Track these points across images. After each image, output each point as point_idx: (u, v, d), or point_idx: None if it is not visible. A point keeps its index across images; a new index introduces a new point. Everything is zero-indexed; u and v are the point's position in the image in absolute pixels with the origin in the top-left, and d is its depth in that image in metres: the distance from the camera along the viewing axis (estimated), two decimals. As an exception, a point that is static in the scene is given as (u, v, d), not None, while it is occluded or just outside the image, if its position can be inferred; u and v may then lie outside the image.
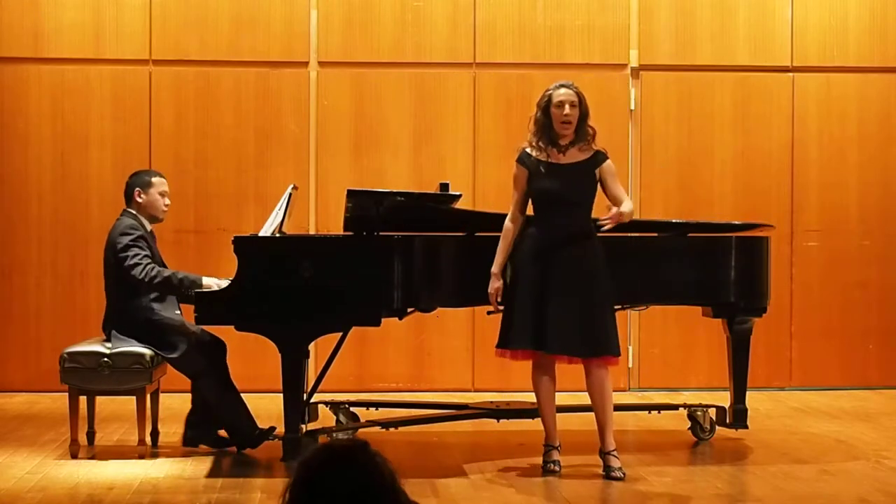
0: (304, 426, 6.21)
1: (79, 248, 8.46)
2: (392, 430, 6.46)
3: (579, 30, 8.73)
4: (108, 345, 6.15)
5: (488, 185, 8.46)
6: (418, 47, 8.67)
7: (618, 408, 6.49)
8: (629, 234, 6.82)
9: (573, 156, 5.84)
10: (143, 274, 6.09)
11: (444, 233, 6.25)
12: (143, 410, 6.16)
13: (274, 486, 5.46)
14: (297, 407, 5.98)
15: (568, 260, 5.73)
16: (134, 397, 6.14)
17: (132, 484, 5.59)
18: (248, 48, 8.59)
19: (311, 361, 7.14)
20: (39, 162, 8.49)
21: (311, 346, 6.27)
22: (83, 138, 8.51)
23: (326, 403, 6.80)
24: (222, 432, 6.37)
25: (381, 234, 5.99)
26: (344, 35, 8.64)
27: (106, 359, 6.09)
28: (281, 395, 5.92)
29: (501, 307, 5.85)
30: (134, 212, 6.34)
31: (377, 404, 7.02)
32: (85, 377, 6.12)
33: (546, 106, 5.83)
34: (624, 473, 5.72)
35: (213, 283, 6.06)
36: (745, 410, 6.61)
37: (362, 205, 6.00)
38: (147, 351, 6.12)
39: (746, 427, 6.63)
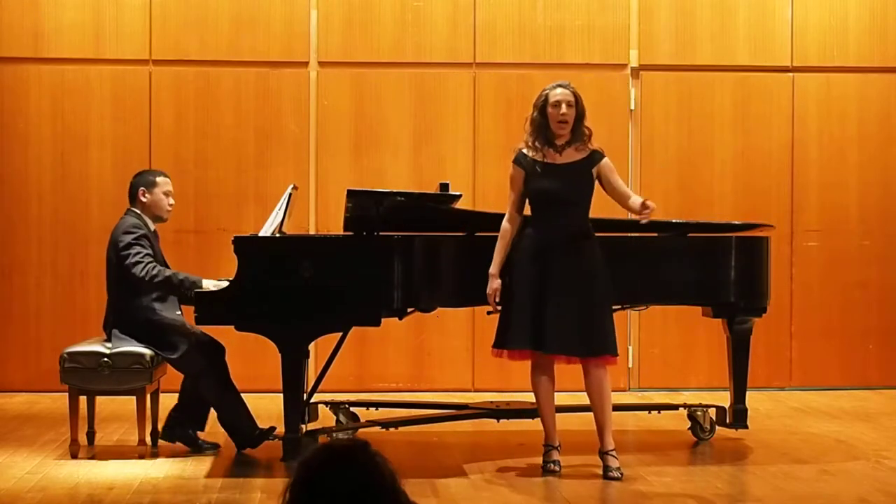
0: (304, 426, 6.22)
1: (79, 248, 8.46)
2: (392, 430, 6.47)
3: (579, 30, 8.73)
4: (108, 345, 6.15)
5: (488, 185, 8.46)
6: (418, 47, 8.67)
7: (618, 408, 6.50)
8: (629, 234, 6.82)
9: (570, 155, 5.84)
10: (143, 272, 6.09)
11: (444, 233, 6.25)
12: (143, 410, 6.16)
13: (274, 486, 5.46)
14: (297, 407, 5.98)
15: (566, 260, 5.73)
16: (134, 397, 6.14)
17: (132, 484, 5.59)
18: (248, 48, 8.59)
19: (311, 361, 7.15)
20: (39, 162, 8.49)
21: (311, 346, 6.27)
22: (83, 138, 8.51)
23: (326, 403, 6.80)
24: (201, 434, 6.37)
25: (381, 234, 5.99)
26: (344, 35, 8.64)
27: (106, 359, 6.09)
28: (281, 395, 5.92)
29: (500, 308, 5.85)
30: (138, 211, 6.35)
31: (377, 404, 7.02)
32: (85, 377, 6.12)
33: (543, 106, 5.84)
34: (622, 473, 5.72)
35: (213, 284, 6.06)
36: (745, 410, 6.61)
37: (362, 205, 6.00)
38: (147, 351, 6.12)
39: (746, 427, 6.63)
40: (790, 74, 8.87)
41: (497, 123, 8.61)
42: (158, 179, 6.40)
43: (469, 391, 8.52)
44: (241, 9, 8.58)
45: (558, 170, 5.81)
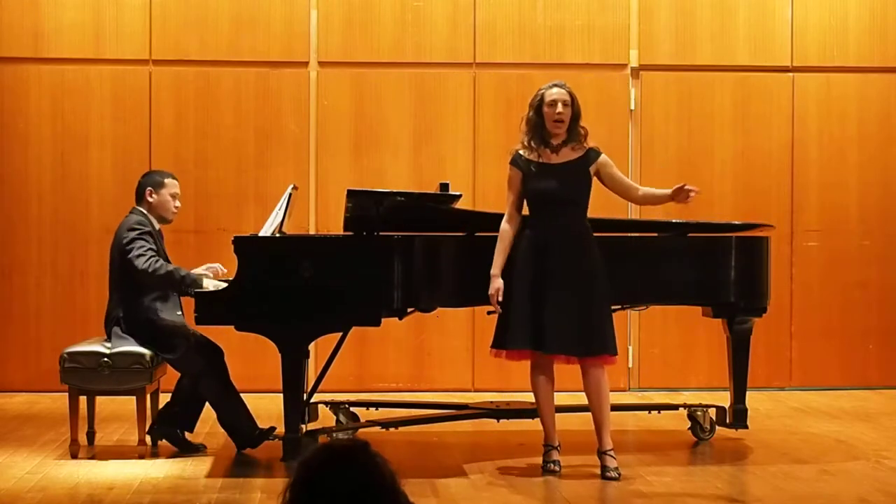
0: (304, 426, 6.22)
1: (79, 248, 8.46)
2: (392, 430, 6.47)
3: (579, 30, 8.73)
4: (108, 345, 6.15)
5: (488, 185, 8.46)
6: (418, 47, 8.67)
7: (618, 408, 6.51)
8: (629, 234, 6.83)
9: (566, 155, 5.85)
10: (146, 264, 6.09)
11: (444, 233, 6.25)
12: (143, 410, 6.16)
13: (274, 486, 5.46)
14: (297, 407, 5.98)
15: (564, 260, 5.73)
16: (134, 397, 6.14)
17: (132, 484, 5.59)
18: (248, 48, 8.59)
19: (311, 361, 7.15)
20: (39, 162, 8.50)
21: (311, 346, 6.27)
22: (83, 138, 8.52)
23: (326, 403, 6.80)
24: (189, 436, 6.36)
25: (381, 234, 5.99)
26: (344, 35, 8.65)
27: (106, 359, 6.09)
28: (281, 395, 5.91)
29: (500, 310, 5.83)
30: (143, 210, 6.35)
31: (377, 404, 7.02)
32: (85, 377, 6.12)
33: (538, 105, 5.84)
34: (619, 473, 5.72)
35: (213, 283, 6.07)
36: (745, 410, 6.61)
37: (362, 205, 6.00)
38: (147, 351, 6.12)
39: (746, 427, 6.63)
40: (790, 74, 8.87)
41: (497, 123, 8.61)
42: (167, 181, 6.40)
43: (469, 391, 8.52)
44: (241, 9, 8.58)
45: (555, 170, 5.81)
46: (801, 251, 8.86)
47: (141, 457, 6.13)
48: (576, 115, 5.84)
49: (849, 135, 8.89)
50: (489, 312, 6.02)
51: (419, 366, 8.63)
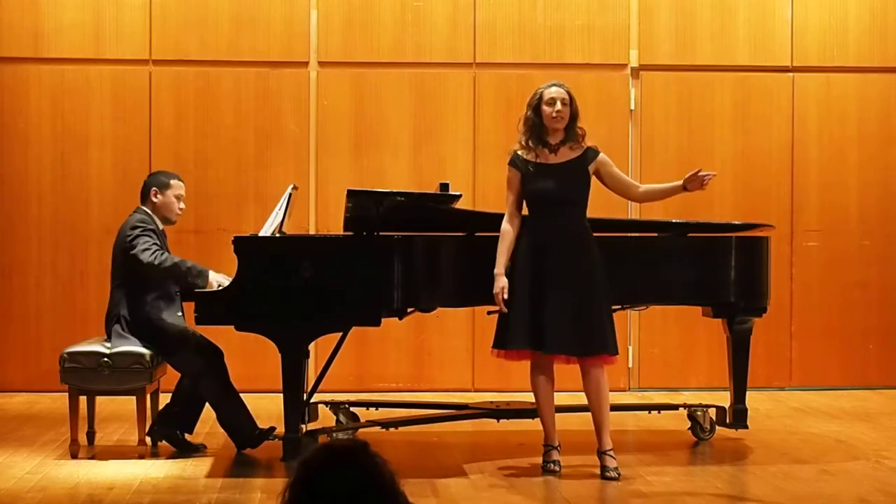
0: (304, 426, 6.21)
1: (79, 248, 8.46)
2: (392, 430, 6.47)
3: (579, 30, 8.73)
4: (108, 344, 6.15)
5: (488, 185, 8.46)
6: (418, 47, 8.67)
7: (618, 408, 6.51)
8: (629, 234, 6.83)
9: (564, 155, 5.85)
10: (151, 257, 6.09)
11: (444, 233, 6.25)
12: (143, 410, 6.16)
13: (274, 486, 5.46)
14: (297, 407, 5.98)
15: (564, 260, 5.73)
16: (134, 397, 6.14)
17: (132, 484, 5.59)
18: (248, 48, 8.59)
19: (311, 361, 7.15)
20: (39, 162, 8.50)
21: (311, 346, 6.27)
22: (83, 138, 8.52)
23: (326, 403, 6.80)
24: (189, 436, 6.37)
25: (381, 234, 5.99)
26: (344, 35, 8.65)
27: (106, 359, 6.09)
28: (281, 395, 5.91)
29: (506, 309, 5.80)
30: (148, 210, 6.36)
31: (377, 404, 7.02)
32: (85, 377, 6.12)
33: (537, 104, 5.85)
34: (619, 473, 5.72)
35: (218, 278, 6.07)
36: (745, 410, 6.61)
37: (362, 205, 6.00)
38: (147, 351, 6.12)
39: (746, 427, 6.62)
40: (790, 74, 8.87)
41: (497, 123, 8.60)
42: (172, 182, 6.41)
43: (469, 391, 8.52)
44: (241, 9, 8.58)
45: (553, 170, 5.81)
46: (801, 251, 8.86)
47: (141, 457, 6.13)
48: (574, 115, 5.84)
49: (849, 135, 8.89)
50: (489, 312, 6.02)
51: (419, 366, 8.63)
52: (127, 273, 6.20)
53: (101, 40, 8.54)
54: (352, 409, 6.79)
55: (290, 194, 6.30)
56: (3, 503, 5.28)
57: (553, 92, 5.82)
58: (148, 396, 6.23)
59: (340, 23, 8.64)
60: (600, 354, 5.73)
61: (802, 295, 8.84)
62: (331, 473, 2.43)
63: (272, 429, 6.30)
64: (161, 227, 6.37)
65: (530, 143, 5.84)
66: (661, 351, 8.76)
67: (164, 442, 6.36)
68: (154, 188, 6.38)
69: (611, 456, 5.76)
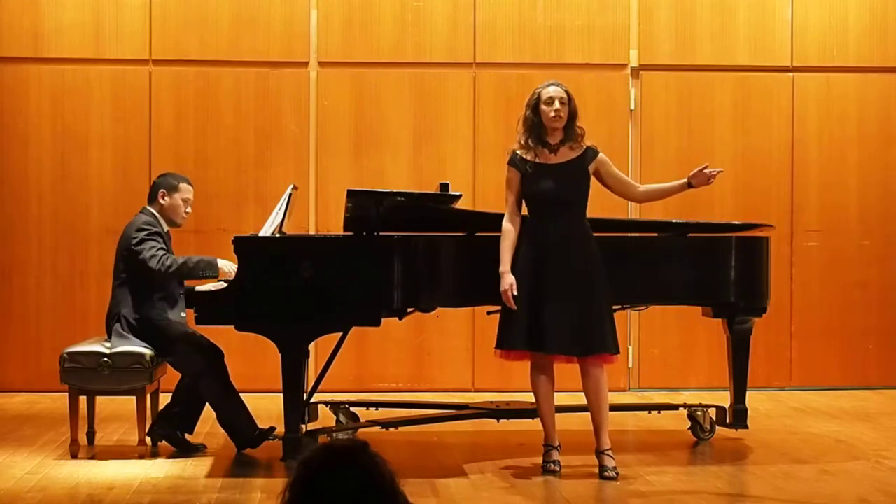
0: (304, 426, 6.21)
1: (79, 248, 8.46)
2: (392, 430, 6.46)
3: (579, 30, 8.73)
4: (108, 344, 6.15)
5: (488, 185, 8.45)
6: (418, 47, 8.67)
7: (618, 408, 6.51)
8: (629, 234, 6.83)
9: (564, 154, 5.84)
10: (158, 265, 6.09)
11: (444, 233, 6.25)
12: (143, 410, 6.16)
13: (274, 486, 5.46)
14: (297, 407, 5.98)
15: (564, 260, 5.73)
16: (134, 397, 6.14)
17: (132, 484, 5.59)
18: (248, 48, 8.59)
19: (311, 361, 7.15)
20: (39, 162, 8.49)
21: (311, 346, 6.27)
22: (83, 138, 8.52)
23: (326, 403, 6.80)
24: (189, 436, 6.36)
25: (381, 234, 5.99)
26: (344, 35, 8.65)
27: (106, 359, 6.09)
28: (281, 395, 5.91)
29: (513, 305, 5.78)
30: (154, 211, 6.36)
31: (377, 404, 7.02)
32: (85, 377, 6.12)
33: (536, 104, 5.84)
34: (617, 473, 5.72)
35: (227, 265, 6.07)
36: (745, 410, 6.61)
37: (362, 205, 5.99)
38: (147, 351, 6.12)
39: (746, 427, 6.62)
40: (790, 74, 8.87)
41: (497, 123, 8.60)
42: (181, 185, 6.41)
43: (469, 391, 8.52)
44: (241, 9, 8.58)
45: (553, 170, 5.80)
46: (801, 251, 8.86)
47: (141, 457, 6.13)
48: (573, 114, 5.84)
49: (849, 135, 8.89)
50: (489, 312, 6.02)
51: (419, 366, 8.63)
52: (131, 273, 6.20)
53: (101, 40, 8.54)
54: (352, 409, 6.79)
55: (290, 194, 6.30)
56: (3, 503, 5.28)
57: (551, 91, 5.82)
58: (148, 396, 6.23)
59: (340, 23, 8.64)
60: (600, 354, 5.73)
61: (802, 295, 8.84)
62: (331, 473, 2.43)
63: (272, 429, 6.30)
64: (166, 228, 6.37)
65: (530, 143, 5.84)
66: (661, 351, 8.76)
67: (164, 442, 6.36)
68: (163, 190, 6.37)
69: (609, 455, 5.76)
